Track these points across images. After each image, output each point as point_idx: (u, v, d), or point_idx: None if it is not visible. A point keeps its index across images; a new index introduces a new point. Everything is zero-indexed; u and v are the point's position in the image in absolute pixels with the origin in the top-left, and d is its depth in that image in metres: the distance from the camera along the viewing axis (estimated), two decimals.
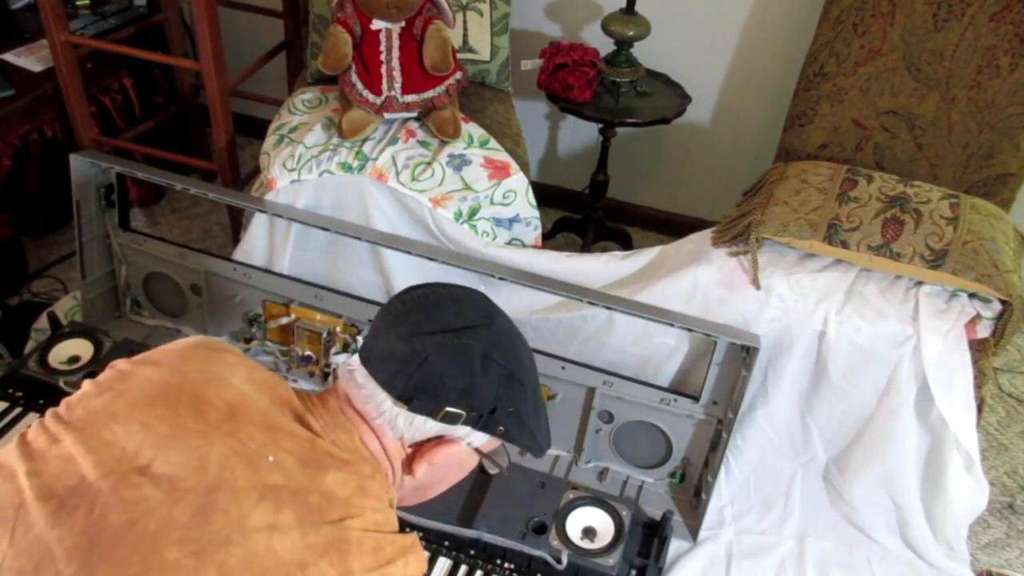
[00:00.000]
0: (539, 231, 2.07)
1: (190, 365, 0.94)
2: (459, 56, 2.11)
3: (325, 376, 1.94)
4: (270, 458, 0.87)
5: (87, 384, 0.93)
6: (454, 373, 0.94)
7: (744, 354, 1.65)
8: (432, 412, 0.95)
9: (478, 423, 0.97)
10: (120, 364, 0.95)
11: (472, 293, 1.04)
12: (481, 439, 1.00)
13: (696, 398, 1.75)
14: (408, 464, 1.00)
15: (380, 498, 0.92)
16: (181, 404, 0.89)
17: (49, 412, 0.90)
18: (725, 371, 1.70)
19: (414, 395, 0.94)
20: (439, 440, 0.98)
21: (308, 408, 0.97)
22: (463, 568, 1.58)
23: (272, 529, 0.82)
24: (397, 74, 1.95)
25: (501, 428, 0.99)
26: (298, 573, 0.81)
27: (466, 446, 1.00)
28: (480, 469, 1.08)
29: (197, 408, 0.89)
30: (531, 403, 1.02)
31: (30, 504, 0.81)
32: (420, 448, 0.99)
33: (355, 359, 0.99)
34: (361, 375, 0.97)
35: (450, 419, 0.95)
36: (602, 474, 1.90)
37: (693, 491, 1.86)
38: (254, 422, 0.90)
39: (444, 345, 0.95)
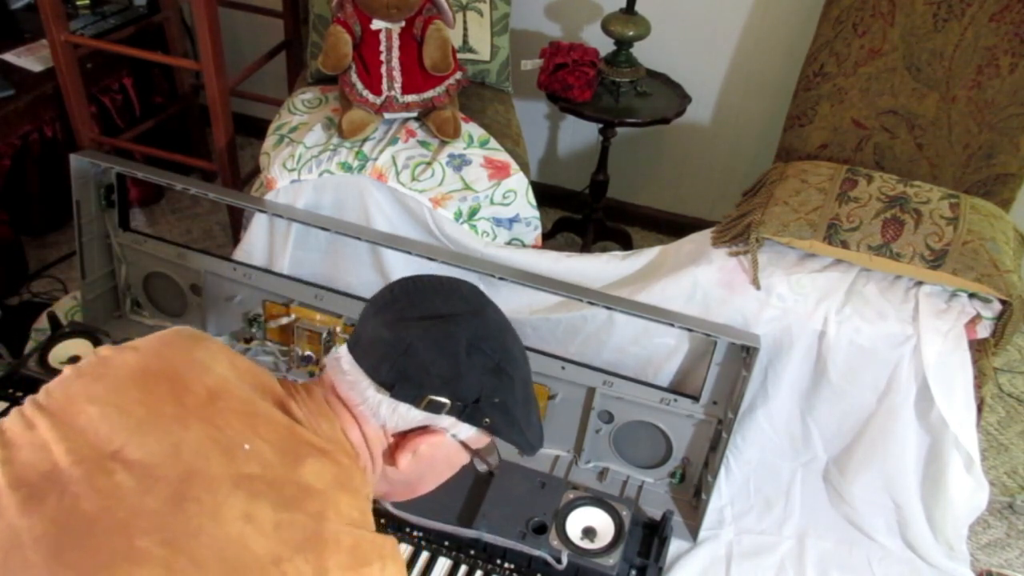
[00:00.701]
0: (539, 231, 2.07)
1: (171, 350, 0.93)
2: (459, 56, 2.11)
3: None
4: (246, 446, 0.85)
5: (68, 369, 0.91)
6: (438, 360, 0.93)
7: (744, 354, 1.65)
8: (415, 399, 0.93)
9: (463, 413, 0.95)
10: (103, 350, 0.94)
11: (463, 284, 1.02)
12: (467, 432, 0.98)
13: (696, 398, 1.75)
14: (391, 455, 0.98)
15: (358, 493, 0.90)
16: (159, 388, 0.87)
17: (28, 399, 0.89)
18: (725, 371, 1.70)
19: (397, 381, 0.93)
20: (423, 430, 0.96)
21: (291, 395, 0.95)
22: (463, 568, 1.58)
23: (246, 520, 0.80)
24: (397, 74, 1.95)
25: (487, 420, 0.97)
26: (272, 568, 0.78)
27: (451, 438, 0.98)
28: (473, 467, 1.07)
29: (175, 392, 0.87)
30: (520, 398, 1.00)
31: (2, 492, 0.80)
32: (403, 438, 0.97)
33: (343, 348, 0.98)
34: (347, 362, 0.96)
35: (434, 408, 0.94)
36: (602, 474, 1.90)
37: (693, 491, 1.86)
38: (233, 408, 0.88)
39: (429, 331, 0.93)
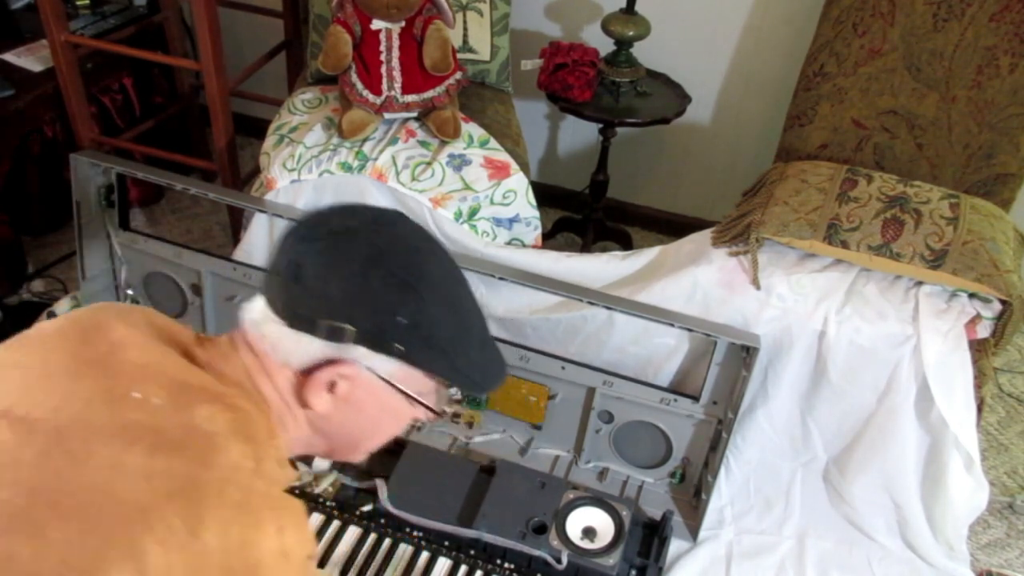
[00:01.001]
0: (539, 231, 2.07)
1: (88, 313, 0.90)
2: (459, 56, 2.11)
3: None
4: (136, 394, 0.79)
5: None
6: (331, 279, 0.83)
7: (744, 354, 1.65)
8: (310, 327, 0.84)
9: (367, 339, 0.84)
10: (39, 323, 0.91)
11: (386, 210, 0.93)
12: (384, 364, 0.86)
13: (696, 398, 1.75)
14: (302, 396, 0.88)
15: (258, 442, 0.81)
16: (65, 345, 0.84)
17: None
18: (725, 371, 1.70)
19: (292, 308, 0.84)
20: (330, 364, 0.85)
21: (200, 344, 0.89)
22: (463, 568, 1.58)
23: (116, 468, 0.73)
24: (397, 74, 1.95)
25: (398, 347, 0.85)
26: (136, 517, 0.71)
27: (369, 374, 0.86)
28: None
29: (77, 348, 0.84)
30: (446, 322, 0.87)
31: None
32: (312, 375, 0.86)
33: None
34: (259, 300, 0.89)
35: (334, 335, 0.83)
36: (602, 474, 1.90)
37: (693, 491, 1.86)
38: (130, 357, 0.83)
39: (323, 250, 0.84)
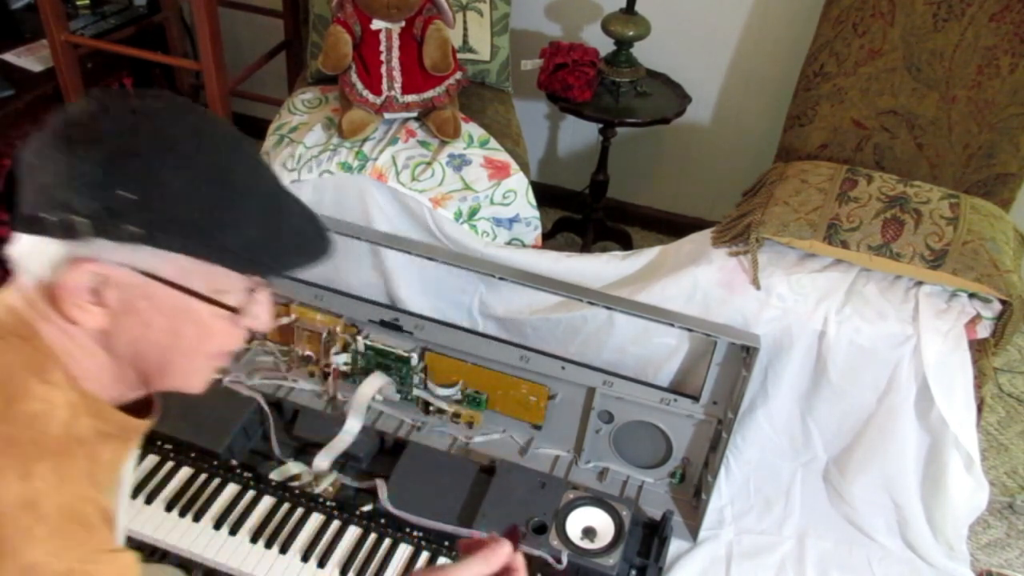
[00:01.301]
0: (539, 231, 2.07)
1: None
2: (459, 56, 2.11)
3: (325, 376, 1.94)
4: None
5: None
6: (46, 166, 0.71)
7: (744, 354, 1.65)
8: (39, 226, 0.72)
9: (102, 228, 0.71)
10: None
11: (129, 90, 0.85)
12: (139, 256, 0.73)
13: (696, 398, 1.75)
14: (64, 312, 0.75)
15: (10, 382, 0.73)
16: None
17: None
18: (725, 371, 1.70)
19: (20, 212, 0.74)
20: (74, 264, 0.73)
21: None
22: None
23: None
24: (397, 74, 1.95)
25: (134, 229, 0.71)
26: None
27: (125, 270, 0.73)
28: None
29: None
30: (192, 192, 0.73)
31: None
32: (61, 283, 0.74)
33: None
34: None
35: (64, 230, 0.71)
36: (602, 474, 1.89)
37: (693, 491, 1.86)
38: None
39: (32, 142, 0.74)
